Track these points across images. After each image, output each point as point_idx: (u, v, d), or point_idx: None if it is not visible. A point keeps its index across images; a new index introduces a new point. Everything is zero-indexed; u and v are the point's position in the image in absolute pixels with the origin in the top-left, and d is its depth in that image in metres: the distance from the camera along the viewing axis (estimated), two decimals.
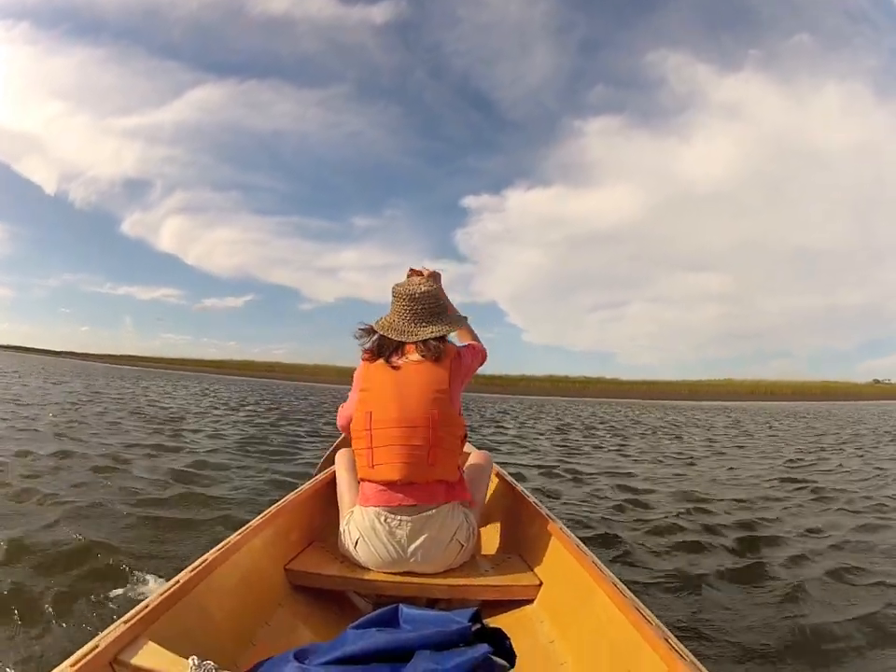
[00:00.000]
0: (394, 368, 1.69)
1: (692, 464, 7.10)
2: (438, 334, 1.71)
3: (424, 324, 1.72)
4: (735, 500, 4.56)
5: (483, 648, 0.91)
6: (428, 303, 1.73)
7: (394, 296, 1.77)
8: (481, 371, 1.93)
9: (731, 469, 6.66)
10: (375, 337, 1.77)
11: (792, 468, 6.83)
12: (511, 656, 0.99)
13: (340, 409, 1.88)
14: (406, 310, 1.73)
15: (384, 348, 1.73)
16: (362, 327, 1.79)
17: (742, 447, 9.61)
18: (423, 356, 1.68)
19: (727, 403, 40.86)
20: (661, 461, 7.36)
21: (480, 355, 1.87)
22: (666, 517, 3.89)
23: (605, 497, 4.59)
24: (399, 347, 1.72)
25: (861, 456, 8.07)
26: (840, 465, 7.03)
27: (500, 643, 0.97)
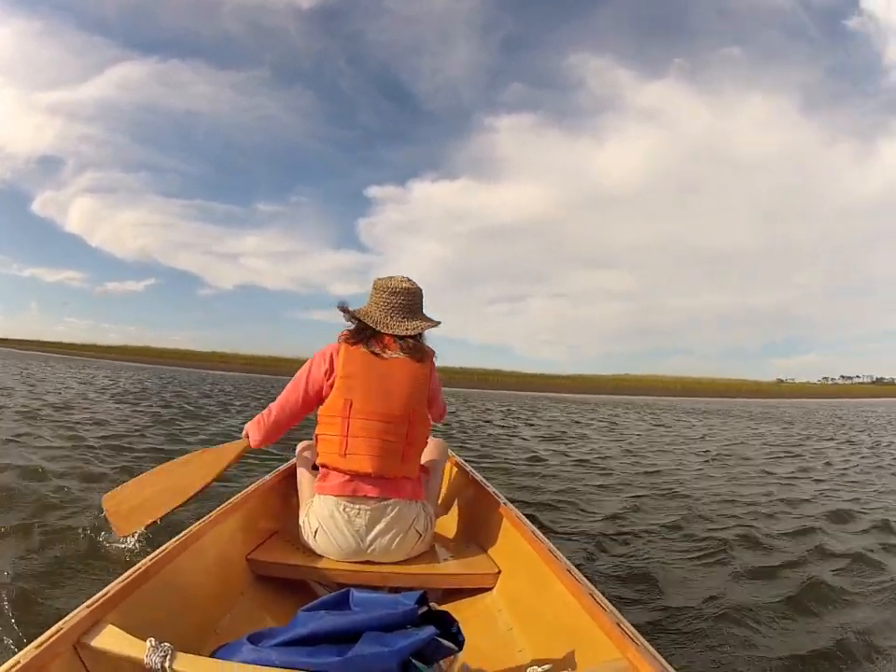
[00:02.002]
0: (376, 356, 1.69)
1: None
2: (414, 331, 1.72)
3: (401, 318, 1.73)
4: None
5: (430, 630, 0.95)
6: (407, 299, 1.74)
7: (374, 288, 1.77)
8: None
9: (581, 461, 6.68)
10: (354, 321, 1.76)
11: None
12: (458, 640, 1.03)
13: (262, 415, 1.79)
14: (384, 302, 1.73)
15: (362, 334, 1.72)
16: (341, 306, 1.77)
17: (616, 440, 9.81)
18: (405, 353, 1.70)
19: (623, 398, 41.33)
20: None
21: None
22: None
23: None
24: (375, 336, 1.72)
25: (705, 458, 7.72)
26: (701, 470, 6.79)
27: (447, 626, 1.01)
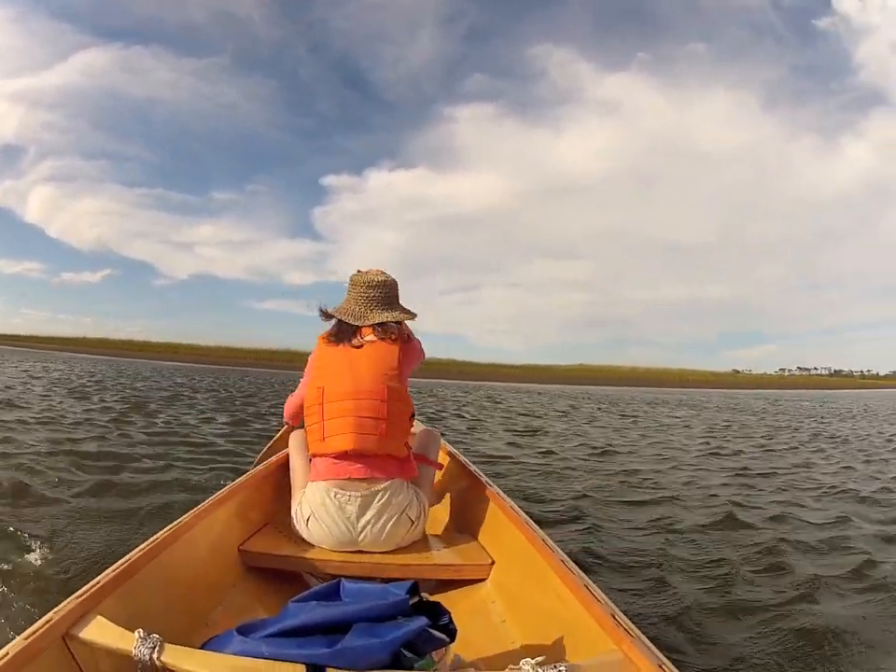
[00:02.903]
0: (353, 347, 1.75)
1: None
2: (394, 319, 1.79)
3: (379, 310, 1.78)
4: None
5: (421, 621, 0.94)
6: (384, 291, 1.80)
7: (351, 284, 1.83)
8: None
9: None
10: (334, 322, 1.83)
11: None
12: (450, 630, 1.02)
13: (288, 399, 1.98)
14: (362, 296, 1.79)
15: (342, 333, 1.78)
16: (321, 309, 1.85)
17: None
18: (378, 337, 1.75)
19: (579, 388, 41.95)
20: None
21: (420, 352, 1.90)
22: None
23: None
24: (356, 332, 1.77)
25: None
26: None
27: (439, 617, 1.00)
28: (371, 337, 1.76)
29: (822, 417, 16.02)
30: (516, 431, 8.92)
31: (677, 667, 0.92)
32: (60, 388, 12.00)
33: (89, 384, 14.33)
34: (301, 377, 1.90)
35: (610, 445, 7.50)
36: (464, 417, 11.27)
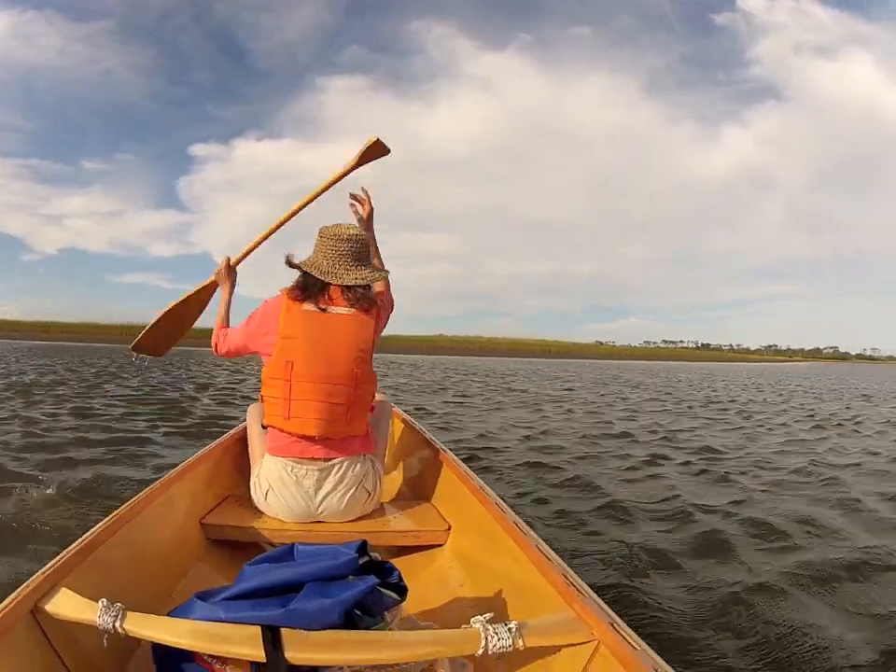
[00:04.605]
0: (321, 313, 1.64)
1: None
2: (364, 281, 1.67)
3: (349, 267, 1.66)
4: None
5: (371, 580, 0.98)
6: (355, 247, 1.67)
7: (319, 236, 1.70)
8: None
9: None
10: (299, 274, 1.70)
11: None
12: (401, 589, 1.07)
13: (220, 333, 1.86)
14: (332, 250, 1.66)
15: (310, 289, 1.66)
16: (287, 257, 1.71)
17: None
18: (351, 305, 1.65)
19: (439, 357, 42.56)
20: None
21: (390, 304, 1.84)
22: None
23: None
24: (323, 288, 1.66)
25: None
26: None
27: (389, 574, 1.05)
28: (343, 307, 1.65)
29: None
30: None
31: (629, 625, 0.96)
32: None
33: None
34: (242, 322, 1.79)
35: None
36: None
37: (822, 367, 66.56)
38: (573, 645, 0.97)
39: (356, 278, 1.66)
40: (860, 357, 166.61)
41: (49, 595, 0.99)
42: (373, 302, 1.69)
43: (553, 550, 1.25)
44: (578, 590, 1.05)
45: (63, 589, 1.00)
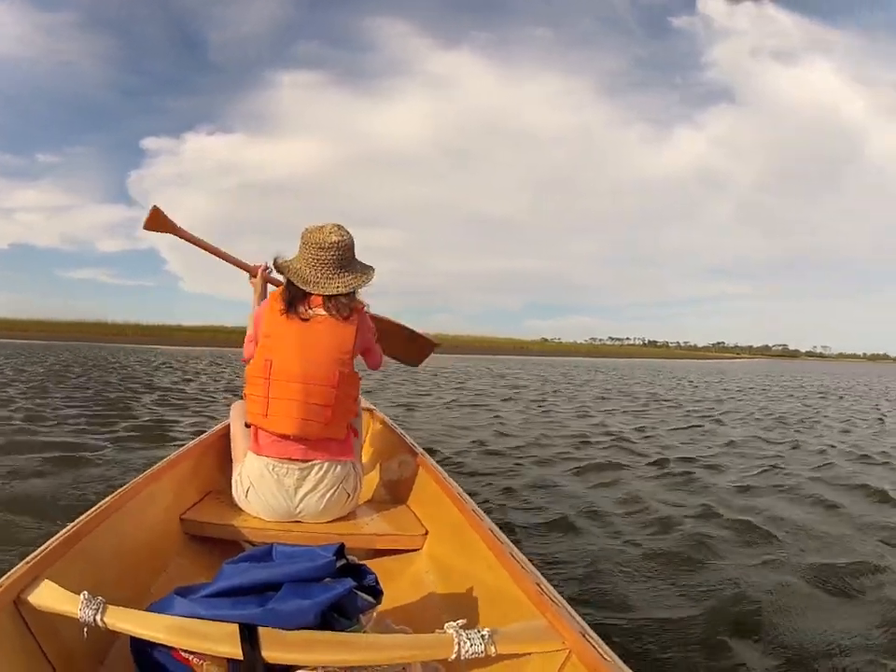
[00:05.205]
0: (302, 320, 1.65)
1: None
2: (347, 289, 1.67)
3: (332, 275, 1.66)
4: None
5: (348, 583, 1.01)
6: (338, 253, 1.66)
7: (302, 242, 1.68)
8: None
9: None
10: (284, 280, 1.72)
11: None
12: (377, 592, 1.10)
13: (246, 342, 1.86)
14: (313, 258, 1.65)
15: (293, 298, 1.66)
16: (275, 260, 1.73)
17: None
18: (331, 314, 1.66)
19: None
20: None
21: (371, 331, 1.83)
22: None
23: None
24: (306, 297, 1.67)
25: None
26: None
27: (365, 577, 1.08)
28: (321, 311, 1.65)
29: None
30: None
31: (599, 635, 0.98)
32: None
33: None
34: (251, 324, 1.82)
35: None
36: None
37: (768, 363, 67.91)
38: (545, 653, 0.99)
39: (338, 287, 1.66)
40: (809, 354, 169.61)
41: (31, 585, 1.00)
42: (353, 310, 1.69)
43: (527, 558, 1.27)
44: (551, 599, 1.07)
45: (46, 581, 1.01)
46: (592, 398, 10.72)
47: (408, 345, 2.36)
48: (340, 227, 1.69)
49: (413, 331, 2.34)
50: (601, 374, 21.16)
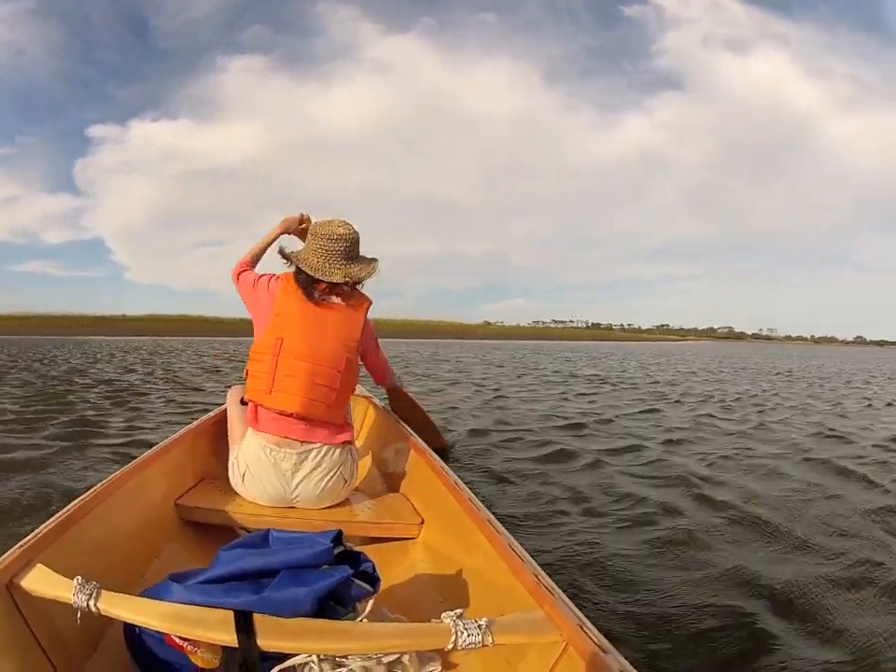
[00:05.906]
0: (313, 303, 1.71)
1: None
2: (353, 278, 1.73)
3: (339, 265, 1.72)
4: None
5: (345, 570, 1.00)
6: (346, 245, 1.72)
7: (311, 234, 1.76)
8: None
9: None
10: (293, 267, 1.76)
11: None
12: (374, 580, 1.09)
13: (244, 264, 1.91)
14: (322, 248, 1.71)
15: (305, 283, 1.72)
16: (281, 249, 1.79)
17: None
18: (344, 301, 1.74)
19: None
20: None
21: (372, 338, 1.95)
22: None
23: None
24: (314, 284, 1.73)
25: None
26: None
27: (362, 565, 1.07)
28: (335, 299, 1.74)
29: None
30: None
31: (595, 626, 0.97)
32: None
33: None
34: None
35: None
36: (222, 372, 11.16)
37: (714, 345, 67.36)
38: (542, 644, 0.98)
39: (345, 275, 1.72)
40: (756, 336, 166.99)
41: (24, 570, 0.98)
42: (361, 299, 1.78)
43: (525, 549, 1.25)
44: (548, 590, 1.05)
45: (39, 565, 1.00)
46: (539, 380, 10.47)
47: (422, 425, 2.59)
48: (346, 222, 1.77)
49: (434, 426, 2.88)
50: (545, 356, 21.00)
